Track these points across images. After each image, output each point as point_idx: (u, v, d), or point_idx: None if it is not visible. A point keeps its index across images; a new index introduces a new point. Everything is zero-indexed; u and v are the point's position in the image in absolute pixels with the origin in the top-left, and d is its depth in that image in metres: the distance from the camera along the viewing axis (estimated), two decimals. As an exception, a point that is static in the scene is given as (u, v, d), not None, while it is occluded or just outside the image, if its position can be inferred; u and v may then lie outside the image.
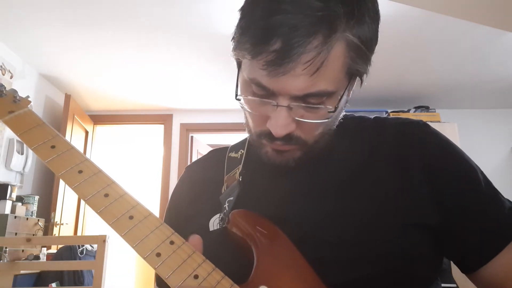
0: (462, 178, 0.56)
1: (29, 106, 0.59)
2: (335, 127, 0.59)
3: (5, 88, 0.59)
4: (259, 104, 0.53)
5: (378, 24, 0.53)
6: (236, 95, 0.55)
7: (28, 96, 0.60)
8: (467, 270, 0.56)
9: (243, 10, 0.52)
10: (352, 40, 0.49)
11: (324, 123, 0.54)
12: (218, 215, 0.59)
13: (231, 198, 0.59)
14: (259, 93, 0.52)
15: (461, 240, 0.54)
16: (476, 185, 0.56)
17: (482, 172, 0.57)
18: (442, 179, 0.55)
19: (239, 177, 0.62)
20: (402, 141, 0.58)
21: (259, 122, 0.55)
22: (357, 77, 0.55)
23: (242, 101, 0.55)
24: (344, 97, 0.55)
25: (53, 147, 0.53)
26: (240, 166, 0.64)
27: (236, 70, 0.57)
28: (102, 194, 0.50)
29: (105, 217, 0.48)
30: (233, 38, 0.54)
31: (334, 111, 0.52)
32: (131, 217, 0.48)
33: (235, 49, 0.53)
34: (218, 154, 0.71)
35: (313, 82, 0.48)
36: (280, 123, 0.51)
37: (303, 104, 0.51)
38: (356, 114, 0.68)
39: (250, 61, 0.50)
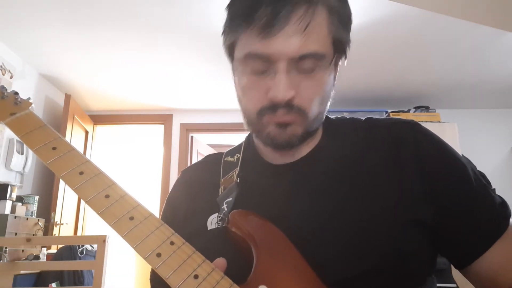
0: (454, 176, 0.57)
1: (30, 108, 0.59)
2: (328, 106, 0.61)
3: (6, 90, 0.59)
4: (258, 79, 0.56)
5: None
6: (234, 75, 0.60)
7: (29, 98, 0.61)
8: (459, 265, 0.57)
9: (228, 4, 0.58)
10: (333, 6, 0.55)
11: (322, 86, 0.57)
12: (216, 214, 0.60)
13: (230, 199, 0.59)
14: (256, 67, 0.55)
15: (453, 236, 0.56)
16: (467, 182, 0.57)
17: (472, 169, 0.59)
18: (435, 177, 0.56)
19: (237, 179, 0.62)
20: (395, 141, 0.60)
21: (259, 98, 0.57)
22: (342, 54, 0.60)
23: (237, 81, 0.59)
24: (332, 69, 0.58)
25: (54, 148, 0.54)
26: (237, 169, 0.65)
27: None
28: (103, 195, 0.50)
29: (106, 218, 0.48)
30: (223, 32, 0.59)
31: (319, 65, 0.55)
32: (131, 218, 0.49)
33: (227, 34, 0.59)
34: (214, 158, 0.72)
35: (305, 42, 0.52)
36: (281, 86, 0.53)
37: (299, 68, 0.54)
38: (356, 114, 0.69)
39: (243, 35, 0.55)
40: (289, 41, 0.52)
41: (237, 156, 0.68)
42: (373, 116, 0.67)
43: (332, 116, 0.69)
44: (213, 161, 0.71)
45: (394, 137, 0.60)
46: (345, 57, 0.61)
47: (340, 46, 0.58)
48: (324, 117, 0.62)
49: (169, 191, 0.73)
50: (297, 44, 0.52)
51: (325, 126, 0.65)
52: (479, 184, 0.57)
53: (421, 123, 0.63)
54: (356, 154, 0.60)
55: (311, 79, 0.55)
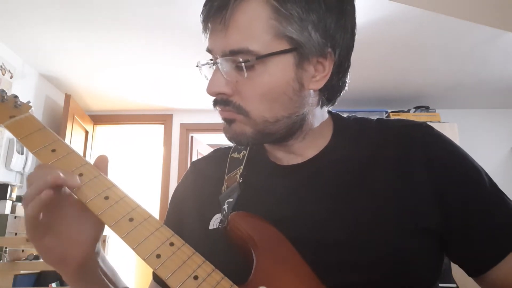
0: (466, 180, 0.55)
1: (30, 111, 0.59)
2: (303, 111, 0.57)
3: (6, 93, 0.60)
4: (210, 72, 0.58)
5: None
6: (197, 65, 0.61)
7: (29, 102, 0.61)
8: (474, 273, 0.55)
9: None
10: (273, 4, 0.51)
11: (262, 86, 0.53)
12: (218, 215, 0.59)
13: (231, 200, 0.59)
14: (211, 62, 0.57)
15: (466, 242, 0.54)
16: (481, 187, 0.55)
17: (487, 174, 0.57)
18: (446, 181, 0.55)
19: (240, 179, 0.62)
20: (405, 143, 0.58)
21: None
22: (310, 53, 0.53)
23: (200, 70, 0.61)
24: (284, 69, 0.53)
25: (53, 151, 0.54)
26: (241, 167, 0.64)
27: None
28: (102, 196, 0.50)
29: (106, 219, 0.48)
30: None
31: (248, 61, 0.51)
32: (131, 219, 0.49)
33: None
34: (221, 153, 0.71)
35: (233, 38, 0.51)
36: (210, 80, 0.55)
37: (237, 65, 0.52)
38: (356, 114, 0.68)
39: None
40: (217, 36, 0.53)
41: (243, 153, 0.67)
42: (383, 118, 0.65)
43: (344, 115, 0.67)
44: (220, 156, 0.70)
45: (404, 140, 0.58)
46: (324, 56, 0.54)
47: (298, 44, 0.52)
48: (296, 120, 0.56)
49: (169, 191, 0.73)
50: (223, 40, 0.52)
51: (336, 126, 0.64)
52: (494, 189, 0.55)
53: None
54: (365, 157, 0.58)
55: (248, 77, 0.52)
